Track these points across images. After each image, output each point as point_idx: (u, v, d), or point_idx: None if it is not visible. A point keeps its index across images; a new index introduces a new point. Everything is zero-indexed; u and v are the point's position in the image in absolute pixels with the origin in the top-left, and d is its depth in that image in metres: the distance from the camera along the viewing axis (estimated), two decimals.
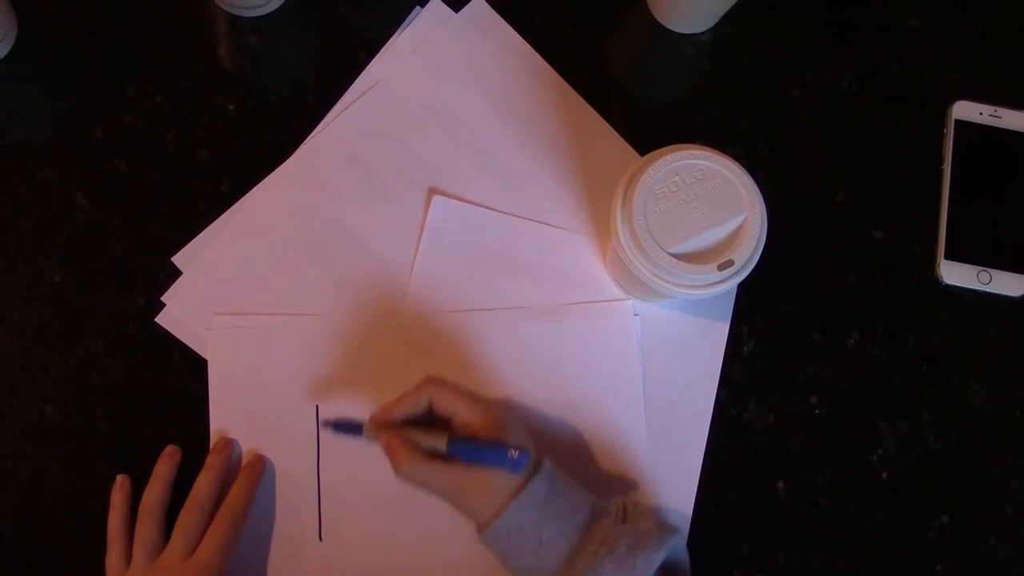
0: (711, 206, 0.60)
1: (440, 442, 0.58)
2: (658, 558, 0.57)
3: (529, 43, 0.74)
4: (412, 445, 0.59)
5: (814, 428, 0.70)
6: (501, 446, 0.57)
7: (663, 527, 0.59)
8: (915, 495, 0.69)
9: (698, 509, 0.68)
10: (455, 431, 0.60)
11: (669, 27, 0.75)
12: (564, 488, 0.60)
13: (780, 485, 0.69)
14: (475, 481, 0.58)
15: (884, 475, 0.70)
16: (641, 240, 0.59)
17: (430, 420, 0.62)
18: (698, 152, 0.61)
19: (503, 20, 0.75)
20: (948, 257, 0.72)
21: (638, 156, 0.72)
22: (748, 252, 0.59)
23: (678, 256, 0.59)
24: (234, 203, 0.70)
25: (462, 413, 0.60)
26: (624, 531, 0.58)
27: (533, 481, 0.58)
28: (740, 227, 0.60)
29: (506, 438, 0.58)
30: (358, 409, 0.67)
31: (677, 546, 0.60)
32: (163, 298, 0.69)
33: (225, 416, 0.67)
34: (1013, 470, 0.70)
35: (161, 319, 0.68)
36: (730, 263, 0.59)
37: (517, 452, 0.56)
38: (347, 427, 0.64)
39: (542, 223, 0.71)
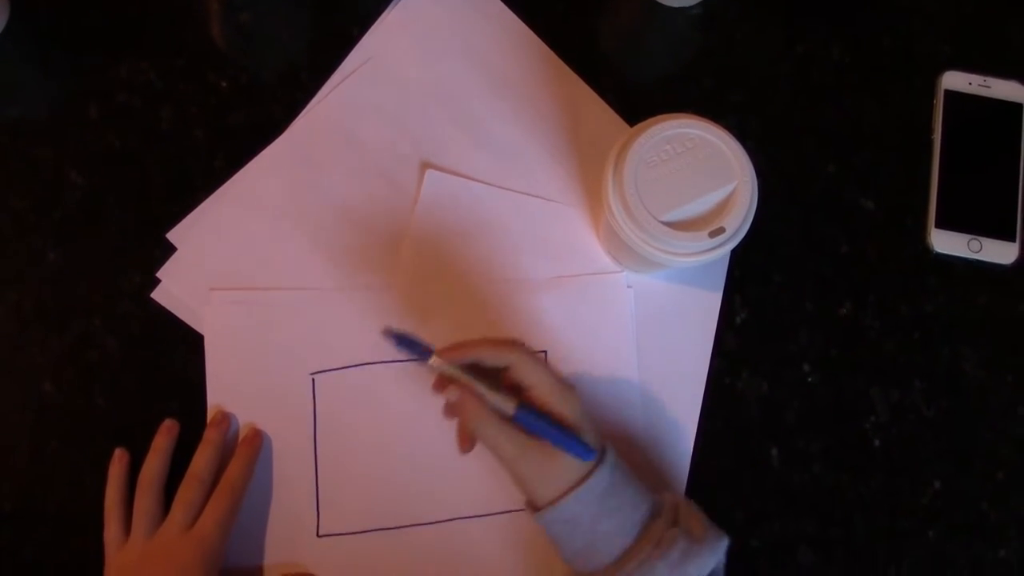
0: (702, 174, 0.60)
1: (508, 406, 0.56)
2: (708, 566, 0.57)
3: (520, 17, 0.75)
4: (488, 408, 0.57)
5: (807, 396, 0.70)
6: (573, 433, 0.56)
7: (713, 534, 0.58)
8: (907, 462, 0.70)
9: (692, 477, 0.69)
10: (529, 402, 0.57)
11: (660, 0, 0.76)
12: (625, 482, 0.59)
13: (774, 453, 0.70)
14: (540, 459, 0.56)
15: (877, 442, 0.70)
16: (632, 208, 0.59)
17: (493, 374, 0.58)
18: (688, 121, 0.61)
19: None
20: (939, 226, 0.73)
21: (629, 129, 0.72)
22: (739, 219, 0.60)
23: (669, 224, 0.60)
24: (228, 179, 0.71)
25: (541, 389, 0.57)
26: (678, 536, 0.57)
27: (596, 473, 0.57)
28: (731, 194, 0.60)
29: (581, 427, 0.57)
30: (355, 388, 0.68)
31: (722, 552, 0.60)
32: (158, 274, 0.69)
33: (222, 391, 0.68)
34: (1004, 436, 0.71)
35: (157, 295, 0.69)
36: (721, 230, 0.60)
37: (588, 443, 0.55)
38: (411, 345, 0.57)
39: (535, 196, 0.72)
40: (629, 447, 0.68)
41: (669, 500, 0.60)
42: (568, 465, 0.57)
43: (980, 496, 0.70)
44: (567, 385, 0.58)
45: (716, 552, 0.57)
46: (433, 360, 0.57)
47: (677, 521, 0.59)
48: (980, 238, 0.73)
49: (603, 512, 0.57)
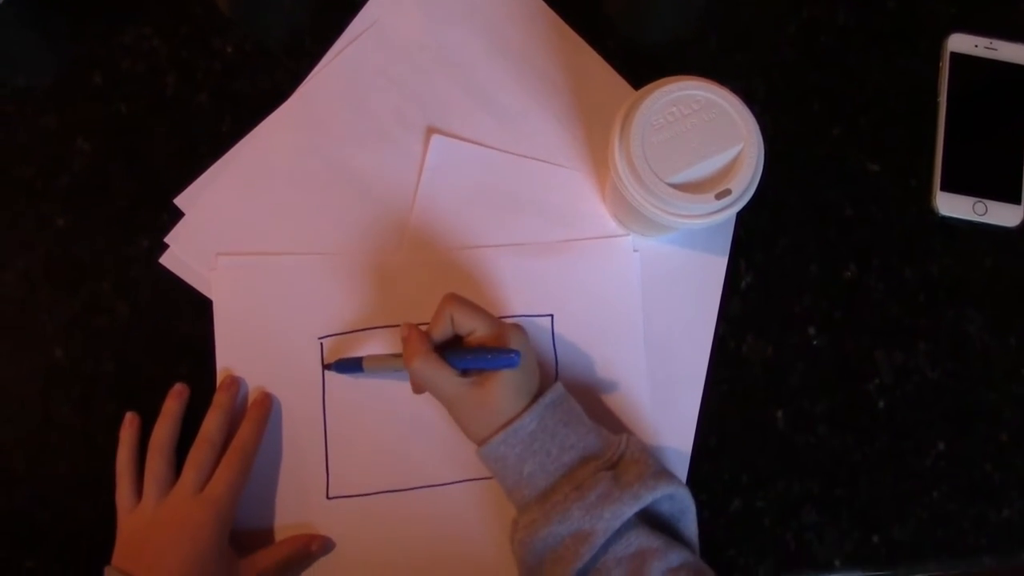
0: (708, 136, 0.60)
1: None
2: (627, 512, 0.58)
3: None
4: (429, 345, 0.61)
5: (812, 359, 0.71)
6: (494, 348, 0.60)
7: (646, 483, 0.59)
8: (912, 424, 0.70)
9: (698, 440, 0.69)
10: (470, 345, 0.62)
11: None
12: (559, 426, 0.61)
13: (779, 415, 0.70)
14: (474, 403, 0.61)
15: (881, 404, 0.71)
16: (639, 170, 0.59)
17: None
18: (695, 83, 0.61)
19: None
20: (944, 189, 0.73)
21: (635, 92, 0.72)
22: (745, 181, 0.60)
23: (676, 186, 0.60)
24: (234, 145, 0.71)
25: (480, 330, 0.61)
26: (601, 479, 0.59)
27: (521, 418, 0.60)
28: (737, 156, 0.60)
29: (510, 345, 0.61)
30: (361, 346, 0.68)
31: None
32: (166, 239, 0.69)
33: (231, 355, 0.68)
34: (1008, 398, 0.71)
35: (165, 260, 0.69)
36: (727, 192, 0.60)
37: (508, 353, 0.59)
38: (347, 365, 0.66)
39: (540, 161, 0.72)
40: (634, 411, 0.69)
41: (618, 444, 0.62)
42: (500, 409, 0.60)
43: (984, 457, 0.70)
44: (505, 324, 0.62)
45: (639, 499, 0.59)
46: (366, 367, 0.65)
47: (617, 465, 0.61)
48: (985, 201, 0.73)
49: (527, 455, 0.60)
